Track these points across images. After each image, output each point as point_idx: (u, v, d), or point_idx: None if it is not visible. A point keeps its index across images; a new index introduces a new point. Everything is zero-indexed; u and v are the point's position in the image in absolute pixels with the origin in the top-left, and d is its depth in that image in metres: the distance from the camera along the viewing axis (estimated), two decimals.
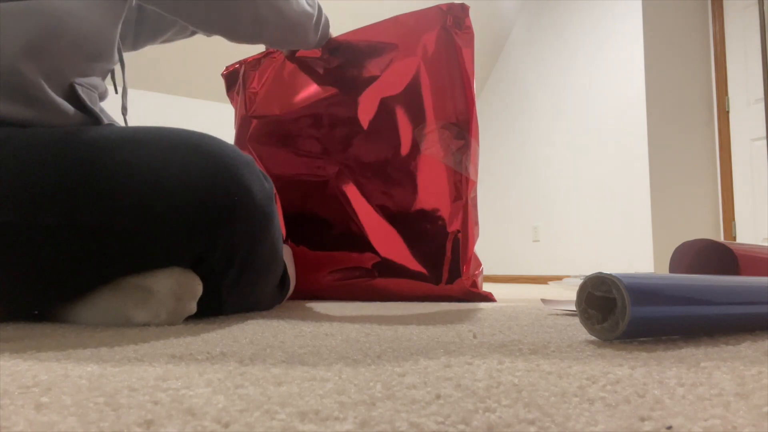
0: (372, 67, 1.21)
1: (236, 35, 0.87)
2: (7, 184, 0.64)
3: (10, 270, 0.65)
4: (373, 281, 1.19)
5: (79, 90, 0.74)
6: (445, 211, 1.14)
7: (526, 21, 3.86)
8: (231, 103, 1.42)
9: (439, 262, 1.13)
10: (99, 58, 0.79)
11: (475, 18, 3.70)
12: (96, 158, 0.66)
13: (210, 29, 0.85)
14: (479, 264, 1.20)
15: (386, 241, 1.18)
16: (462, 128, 1.15)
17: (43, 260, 0.65)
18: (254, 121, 1.31)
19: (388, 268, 1.18)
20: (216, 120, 3.24)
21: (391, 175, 1.18)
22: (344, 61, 1.22)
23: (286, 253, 0.98)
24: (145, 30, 1.08)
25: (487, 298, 1.15)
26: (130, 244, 0.66)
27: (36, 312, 0.73)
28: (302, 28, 0.98)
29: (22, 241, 0.64)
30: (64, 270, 0.66)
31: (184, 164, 0.68)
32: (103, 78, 0.83)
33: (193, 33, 1.16)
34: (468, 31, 1.17)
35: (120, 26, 0.83)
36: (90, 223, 0.65)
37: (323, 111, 1.25)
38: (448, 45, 1.16)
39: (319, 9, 1.04)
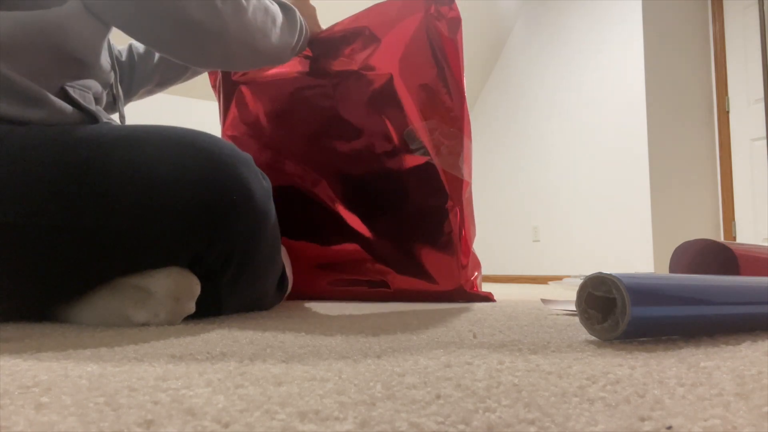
0: (349, 60, 1.11)
1: (205, 67, 0.85)
2: (4, 184, 0.64)
3: (9, 270, 0.65)
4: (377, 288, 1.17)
5: (71, 91, 0.74)
6: (439, 213, 1.10)
7: (526, 21, 3.86)
8: (215, 96, 1.33)
9: (436, 263, 1.12)
10: (84, 65, 0.77)
11: (475, 18, 3.70)
12: (93, 157, 0.66)
13: (181, 60, 0.81)
14: (478, 264, 1.19)
15: (381, 243, 1.16)
16: (453, 126, 1.09)
17: (41, 260, 0.65)
18: (232, 114, 1.22)
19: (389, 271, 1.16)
20: (216, 120, 3.24)
21: (382, 176, 1.13)
22: (320, 55, 1.12)
23: (282, 252, 0.97)
24: (136, 77, 1.08)
25: (487, 298, 1.15)
26: (128, 243, 0.66)
27: (35, 312, 0.73)
28: (277, 59, 0.93)
29: (19, 242, 0.64)
30: (63, 270, 0.66)
31: (182, 162, 0.68)
32: (104, 87, 0.82)
33: (193, 74, 1.15)
34: (454, 21, 1.07)
35: (107, 39, 0.81)
36: (87, 223, 0.65)
37: (302, 105, 1.16)
38: (431, 34, 1.06)
39: (300, 32, 0.97)
